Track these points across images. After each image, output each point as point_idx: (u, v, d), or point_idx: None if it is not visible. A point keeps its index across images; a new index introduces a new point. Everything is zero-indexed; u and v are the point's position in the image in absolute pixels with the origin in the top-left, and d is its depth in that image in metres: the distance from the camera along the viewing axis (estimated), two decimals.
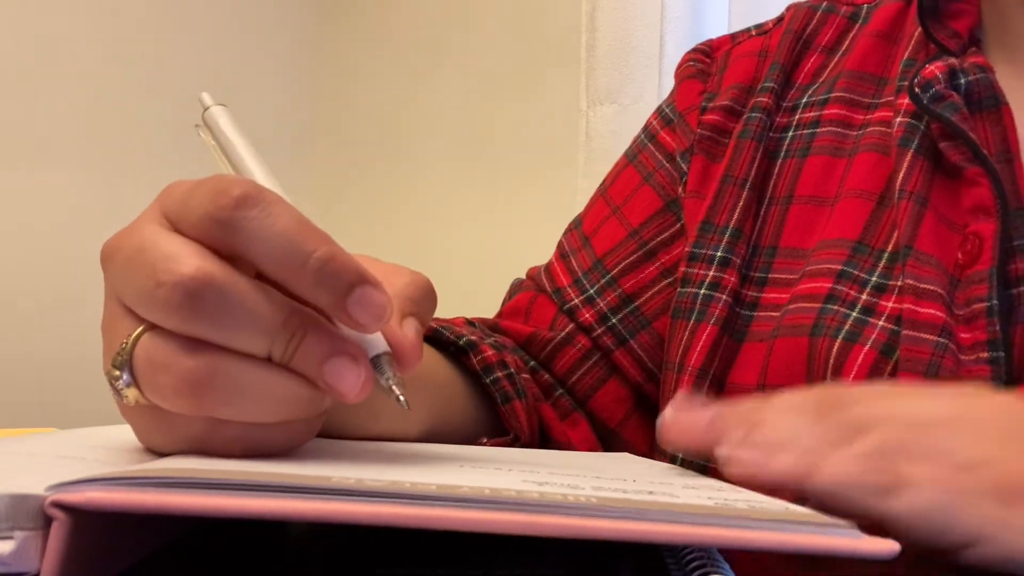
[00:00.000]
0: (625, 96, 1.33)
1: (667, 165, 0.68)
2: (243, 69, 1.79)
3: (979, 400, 0.38)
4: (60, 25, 1.52)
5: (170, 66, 1.67)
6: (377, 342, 0.33)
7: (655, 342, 0.65)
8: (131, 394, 0.31)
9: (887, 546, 0.24)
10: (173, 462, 0.29)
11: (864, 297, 0.54)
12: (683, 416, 0.38)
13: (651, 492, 0.29)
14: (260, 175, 0.37)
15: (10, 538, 0.24)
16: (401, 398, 0.33)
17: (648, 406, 0.67)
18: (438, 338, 0.60)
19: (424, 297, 0.36)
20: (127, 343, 0.31)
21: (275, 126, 1.79)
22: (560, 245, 0.72)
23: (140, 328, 0.31)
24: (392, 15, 1.84)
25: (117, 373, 0.31)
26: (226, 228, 0.30)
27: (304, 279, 0.30)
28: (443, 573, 0.29)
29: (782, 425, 0.36)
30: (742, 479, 0.34)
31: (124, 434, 0.42)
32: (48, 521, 0.24)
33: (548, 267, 0.71)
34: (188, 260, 0.30)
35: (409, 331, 0.34)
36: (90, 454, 0.35)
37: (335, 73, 1.90)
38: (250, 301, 0.30)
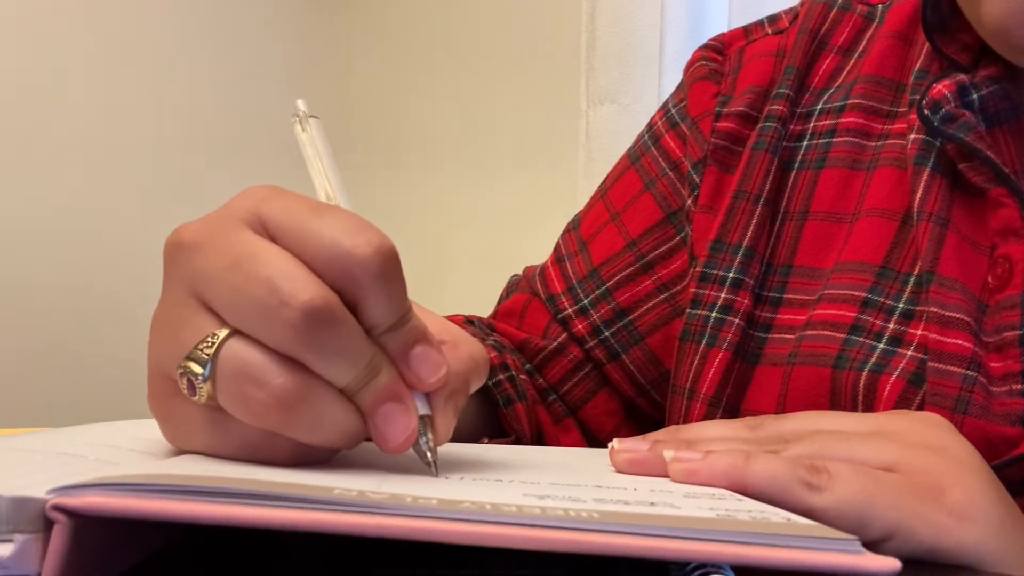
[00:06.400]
0: (625, 96, 1.33)
1: (670, 174, 0.65)
2: (241, 66, 1.79)
3: (893, 417, 0.43)
4: (61, 25, 1.52)
5: (169, 64, 1.67)
6: (421, 404, 0.34)
7: (647, 358, 0.64)
8: (205, 391, 0.31)
9: (888, 563, 0.24)
10: (175, 467, 0.29)
11: (891, 327, 0.52)
12: (628, 443, 0.40)
13: (652, 503, 0.29)
14: (343, 193, 0.38)
15: (10, 541, 0.24)
16: (433, 465, 0.33)
17: (639, 418, 0.66)
18: None
19: (476, 374, 0.37)
20: (213, 341, 0.31)
21: (273, 125, 1.79)
22: (557, 247, 0.70)
23: (228, 330, 0.31)
24: (391, 14, 1.84)
25: (199, 370, 0.31)
26: (363, 292, 0.31)
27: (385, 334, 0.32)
28: (442, 574, 0.29)
29: (720, 437, 0.41)
30: (684, 478, 0.36)
31: (124, 432, 0.42)
32: (49, 524, 0.24)
33: (543, 270, 0.69)
34: (309, 285, 0.30)
35: (448, 411, 0.35)
36: (91, 452, 0.35)
37: (334, 74, 1.90)
38: (355, 336, 0.31)
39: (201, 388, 0.31)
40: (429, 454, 0.33)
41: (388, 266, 0.31)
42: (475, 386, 0.37)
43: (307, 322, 0.30)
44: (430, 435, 0.34)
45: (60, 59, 1.52)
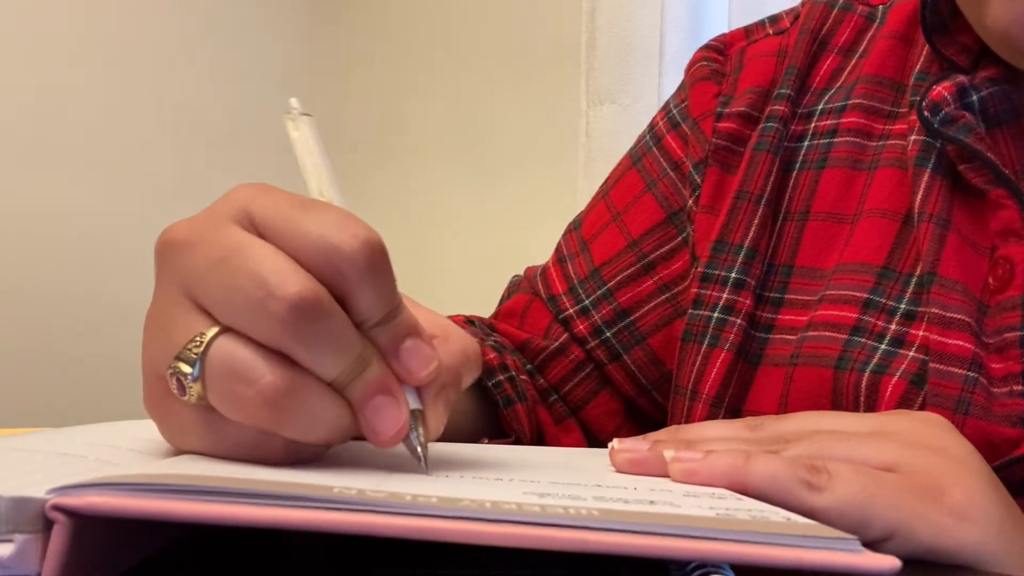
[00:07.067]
0: (625, 96, 1.33)
1: (671, 174, 0.65)
2: (240, 67, 1.79)
3: (894, 417, 0.43)
4: (59, 25, 1.52)
5: (168, 64, 1.67)
6: (412, 399, 0.34)
7: (649, 358, 0.64)
8: (195, 391, 0.31)
9: (888, 562, 0.24)
10: (175, 467, 0.29)
11: (893, 327, 0.52)
12: (628, 443, 0.40)
13: (652, 502, 0.29)
14: (335, 190, 0.38)
15: (10, 541, 0.24)
16: (423, 461, 0.33)
17: (640, 419, 0.66)
18: None
19: (468, 368, 0.37)
20: (201, 340, 0.31)
21: (273, 125, 1.79)
22: (558, 247, 0.70)
23: (216, 329, 0.31)
24: (391, 14, 1.84)
25: (187, 370, 0.31)
26: (351, 287, 0.31)
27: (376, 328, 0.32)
28: (442, 574, 0.29)
29: (720, 438, 0.41)
30: (684, 477, 0.36)
31: (124, 432, 0.42)
32: (49, 524, 0.24)
33: (544, 271, 0.69)
34: (298, 279, 0.30)
35: (439, 405, 0.35)
36: (91, 452, 0.35)
37: (333, 74, 1.90)
38: (344, 328, 0.31)
39: (191, 388, 0.31)
40: (419, 449, 0.33)
41: (376, 260, 0.31)
42: (467, 381, 0.37)
43: (295, 315, 0.30)
44: (421, 430, 0.34)
45: (59, 59, 1.52)
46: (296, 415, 0.31)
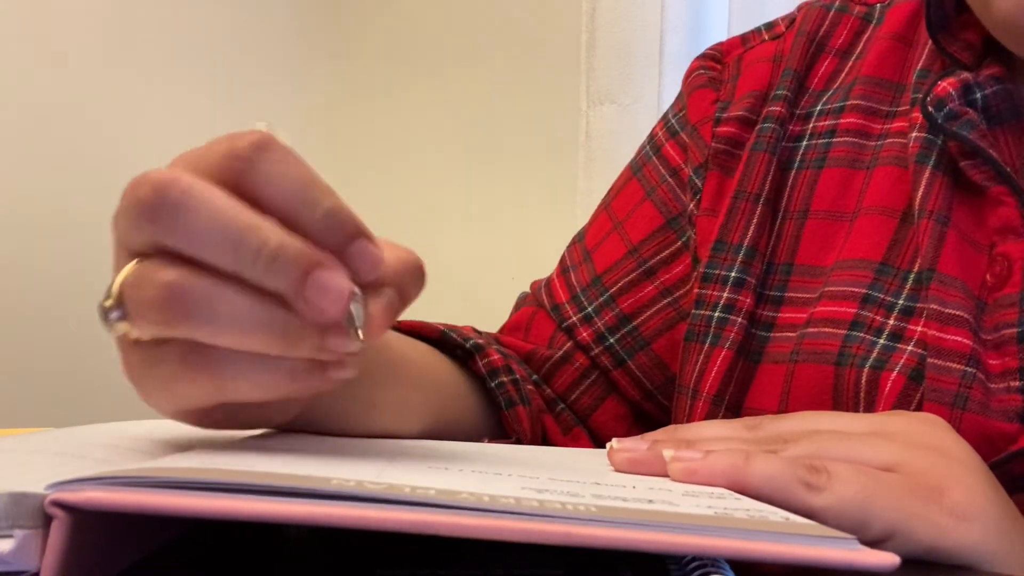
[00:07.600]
0: (625, 96, 1.33)
1: (670, 180, 0.65)
2: (241, 70, 1.79)
3: (892, 417, 0.43)
4: (63, 26, 1.52)
5: (167, 65, 1.67)
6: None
7: (653, 363, 0.64)
8: (121, 327, 0.32)
9: (886, 559, 0.24)
10: (174, 461, 0.29)
11: (891, 323, 0.52)
12: (627, 442, 0.40)
13: (650, 500, 0.29)
14: None
15: (10, 536, 0.24)
16: (360, 333, 0.32)
17: (648, 423, 0.66)
18: (445, 340, 0.59)
19: (409, 274, 0.36)
20: (119, 276, 0.32)
21: (272, 124, 1.79)
22: (562, 259, 0.70)
23: (134, 261, 0.31)
24: (392, 14, 1.84)
25: (109, 303, 0.32)
26: (244, 165, 0.31)
27: (312, 223, 0.31)
28: (443, 574, 0.29)
29: (719, 437, 0.41)
30: (683, 477, 0.36)
31: (124, 432, 0.42)
32: (48, 520, 0.24)
33: (548, 282, 0.69)
34: (161, 172, 0.30)
35: (379, 302, 0.34)
36: (91, 452, 0.35)
37: (334, 73, 1.90)
38: (215, 202, 0.30)
39: (116, 325, 0.32)
40: (357, 322, 0.32)
41: (263, 142, 0.31)
42: (412, 291, 0.36)
43: (158, 200, 0.30)
44: (360, 305, 0.32)
45: (59, 60, 1.52)
46: (194, 308, 0.30)
